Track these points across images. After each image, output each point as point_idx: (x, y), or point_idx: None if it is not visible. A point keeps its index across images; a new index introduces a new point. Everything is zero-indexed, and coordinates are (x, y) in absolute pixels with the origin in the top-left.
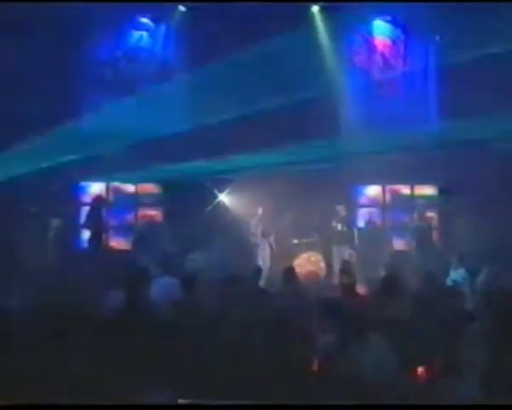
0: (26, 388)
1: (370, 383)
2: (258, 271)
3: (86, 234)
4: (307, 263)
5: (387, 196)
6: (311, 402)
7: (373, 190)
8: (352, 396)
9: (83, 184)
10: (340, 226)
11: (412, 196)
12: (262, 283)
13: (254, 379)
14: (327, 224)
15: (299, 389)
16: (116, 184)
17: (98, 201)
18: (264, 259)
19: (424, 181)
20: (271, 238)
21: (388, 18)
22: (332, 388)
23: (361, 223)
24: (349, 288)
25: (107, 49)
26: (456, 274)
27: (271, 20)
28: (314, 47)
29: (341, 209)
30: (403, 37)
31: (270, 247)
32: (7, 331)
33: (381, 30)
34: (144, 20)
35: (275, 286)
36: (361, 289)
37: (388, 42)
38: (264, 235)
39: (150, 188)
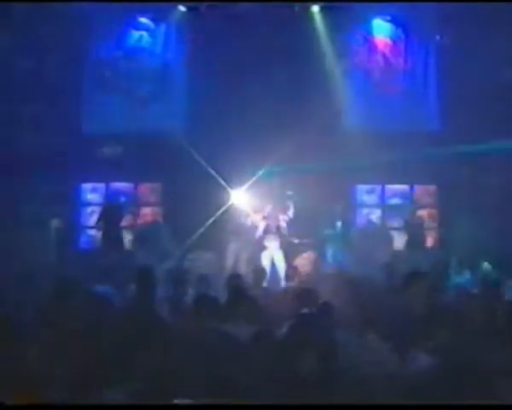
0: (26, 387)
1: (370, 383)
2: (262, 271)
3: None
4: (307, 263)
5: (387, 196)
6: (311, 402)
7: (373, 190)
8: (352, 396)
9: (83, 184)
10: (339, 226)
11: (412, 196)
12: (265, 283)
13: (254, 380)
14: (327, 224)
15: (299, 389)
16: (116, 184)
17: (106, 201)
18: (268, 256)
19: (424, 181)
20: (275, 238)
21: (388, 17)
22: (332, 388)
23: (361, 223)
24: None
25: (107, 49)
26: (461, 277)
27: (271, 20)
28: (314, 47)
29: (341, 209)
30: (403, 36)
31: (277, 244)
32: (7, 331)
33: (381, 29)
34: (144, 20)
35: (277, 286)
36: (359, 288)
37: (389, 41)
38: (268, 235)
39: (150, 187)
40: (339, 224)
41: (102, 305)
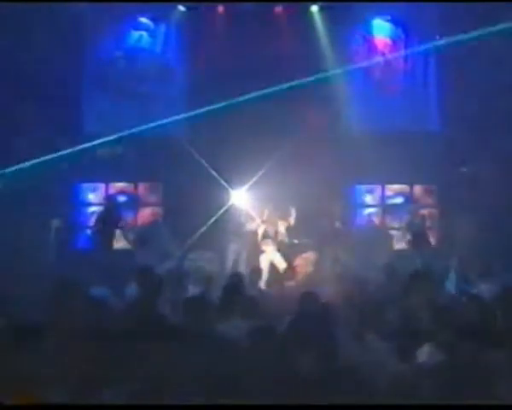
0: (27, 388)
1: (370, 382)
2: (258, 271)
3: (90, 234)
4: (307, 263)
5: (387, 196)
6: (311, 402)
7: (373, 190)
8: (352, 396)
9: (83, 184)
10: (340, 226)
11: (412, 196)
12: (262, 284)
13: (254, 380)
14: (327, 224)
15: (298, 389)
16: (116, 184)
17: (106, 201)
18: (266, 259)
19: (424, 181)
20: (274, 238)
21: (388, 17)
22: (332, 388)
23: (361, 223)
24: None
25: (107, 49)
26: (459, 278)
27: (271, 20)
28: (313, 47)
29: (341, 209)
30: (403, 36)
31: (274, 247)
32: (7, 331)
33: (381, 29)
34: (144, 20)
35: (275, 287)
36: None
37: (389, 41)
38: (266, 239)
39: (150, 187)
40: (338, 224)
41: (102, 306)
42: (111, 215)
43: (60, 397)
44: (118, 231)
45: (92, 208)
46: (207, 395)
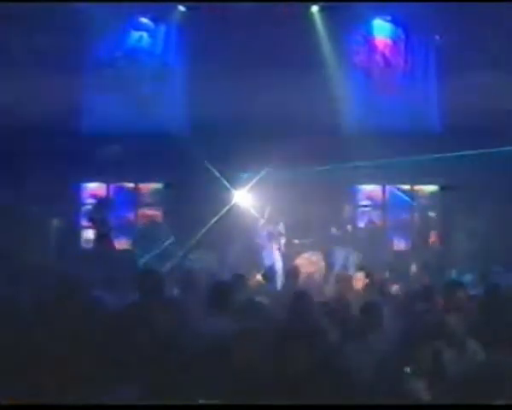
0: (27, 387)
1: (370, 382)
2: (260, 272)
3: (90, 234)
4: (308, 263)
5: (387, 196)
6: (310, 402)
7: (373, 190)
8: (352, 396)
9: (83, 184)
10: (340, 226)
11: (412, 196)
12: (266, 283)
13: (253, 380)
14: (327, 224)
15: (298, 389)
16: (116, 184)
17: (102, 200)
18: (269, 259)
19: (424, 181)
20: (277, 238)
21: (388, 17)
22: (331, 388)
23: (361, 223)
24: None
25: (107, 49)
26: (462, 279)
27: (271, 20)
28: (314, 47)
29: (342, 209)
30: (403, 36)
31: (278, 248)
32: (7, 331)
33: (381, 29)
34: (144, 20)
35: (278, 286)
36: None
37: (389, 41)
38: (270, 235)
39: (150, 188)
40: (339, 224)
41: (102, 306)
42: (111, 215)
43: (60, 397)
44: (118, 232)
45: (92, 209)
46: (206, 395)
